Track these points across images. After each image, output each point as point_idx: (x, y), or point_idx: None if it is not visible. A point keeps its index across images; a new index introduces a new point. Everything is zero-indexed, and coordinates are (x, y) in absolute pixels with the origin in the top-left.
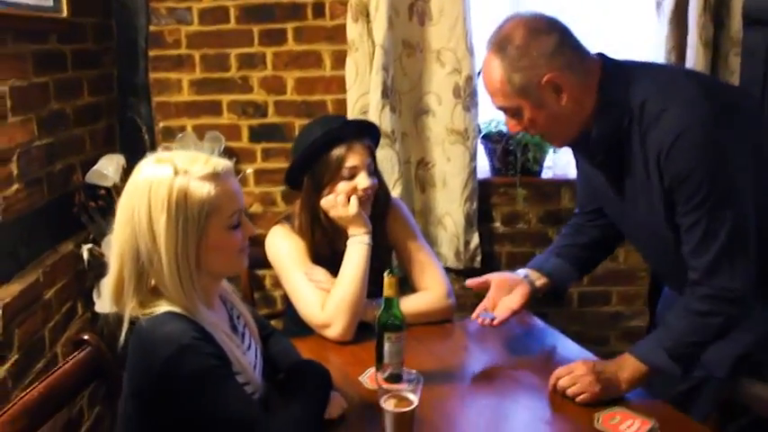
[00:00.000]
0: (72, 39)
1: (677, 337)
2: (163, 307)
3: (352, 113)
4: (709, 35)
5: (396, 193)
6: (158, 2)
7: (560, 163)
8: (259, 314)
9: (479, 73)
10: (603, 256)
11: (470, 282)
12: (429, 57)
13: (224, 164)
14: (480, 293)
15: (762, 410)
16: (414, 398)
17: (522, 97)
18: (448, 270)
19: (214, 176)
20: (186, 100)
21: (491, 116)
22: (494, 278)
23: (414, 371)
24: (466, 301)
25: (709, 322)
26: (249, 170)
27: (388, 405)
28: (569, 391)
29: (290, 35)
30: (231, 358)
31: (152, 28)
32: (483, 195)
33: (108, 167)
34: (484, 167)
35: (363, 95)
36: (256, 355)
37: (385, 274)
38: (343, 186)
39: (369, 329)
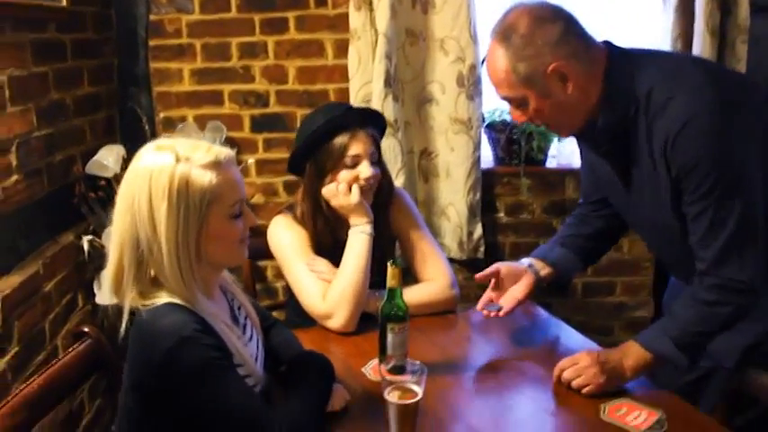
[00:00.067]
0: (71, 28)
1: (683, 326)
2: (163, 298)
3: (355, 103)
4: (715, 22)
5: (398, 183)
6: None
7: (565, 152)
8: (260, 305)
9: (483, 61)
10: (608, 247)
11: (479, 275)
12: (432, 45)
13: (226, 152)
14: (485, 283)
15: None
16: (418, 389)
17: (528, 87)
18: (451, 261)
19: (216, 165)
20: (187, 90)
21: (495, 105)
22: (501, 268)
23: (417, 362)
24: (469, 291)
25: (717, 312)
26: (251, 160)
27: (392, 397)
28: (574, 383)
29: (291, 24)
30: (232, 350)
31: (152, 17)
32: (486, 185)
33: (108, 158)
34: (487, 157)
35: (366, 84)
36: (258, 347)
37: (388, 264)
38: (344, 175)
39: (371, 320)
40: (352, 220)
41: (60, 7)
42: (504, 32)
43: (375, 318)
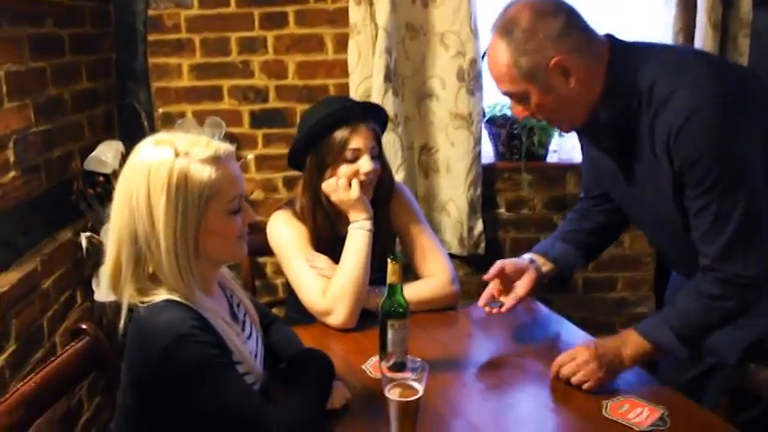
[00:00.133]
0: (69, 23)
1: (685, 318)
2: (161, 295)
3: (355, 98)
4: (717, 16)
5: (398, 178)
6: None
7: (566, 147)
8: (259, 302)
9: (484, 56)
10: (609, 242)
11: (487, 277)
12: (433, 40)
13: (225, 147)
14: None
15: None
16: (419, 387)
17: (530, 81)
18: (452, 257)
19: (215, 160)
20: (186, 85)
21: (495, 100)
22: (505, 265)
23: (418, 359)
24: (470, 287)
25: (721, 306)
26: (250, 156)
27: (393, 394)
28: (573, 380)
29: (291, 18)
30: (231, 347)
31: (150, 12)
32: (487, 181)
33: (107, 154)
34: (488, 152)
35: (366, 79)
36: (257, 344)
37: (388, 260)
38: (345, 169)
39: (371, 317)
40: (352, 215)
41: (58, 2)
42: (506, 26)
43: (375, 314)
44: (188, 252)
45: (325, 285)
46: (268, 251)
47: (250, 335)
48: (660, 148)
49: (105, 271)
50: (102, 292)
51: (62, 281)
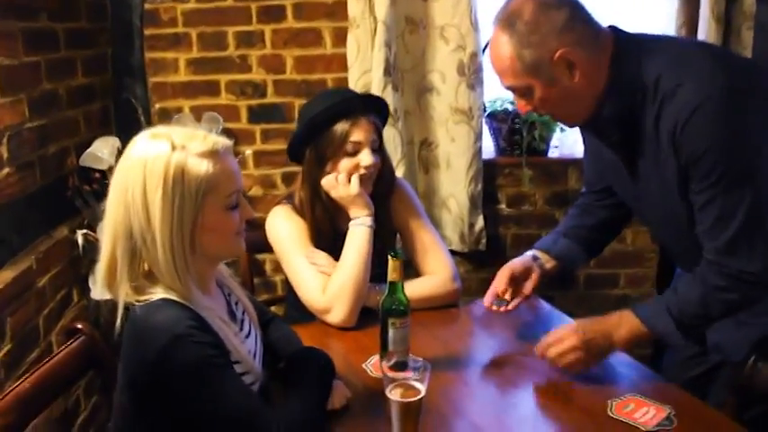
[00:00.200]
0: (64, 17)
1: (685, 307)
2: (158, 293)
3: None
4: (721, 9)
5: (398, 174)
6: None
7: (567, 142)
8: (257, 300)
9: (484, 49)
10: (611, 238)
11: (501, 289)
12: (432, 33)
13: (223, 141)
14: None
15: None
16: (421, 387)
17: (533, 75)
18: (452, 253)
19: (213, 154)
20: (183, 80)
21: (496, 94)
22: (513, 269)
23: (420, 358)
24: (471, 284)
25: (723, 298)
26: (248, 152)
27: (394, 395)
28: (559, 364)
29: (289, 12)
30: (229, 347)
31: (147, 6)
32: (488, 176)
33: (103, 150)
34: (489, 147)
35: (365, 74)
36: (256, 343)
37: (389, 256)
38: (345, 164)
39: (372, 315)
40: (353, 212)
41: None
42: (509, 19)
43: (375, 312)
44: (184, 248)
45: (325, 283)
46: (267, 248)
47: (249, 334)
48: (665, 142)
49: (100, 268)
50: (98, 289)
51: (58, 279)
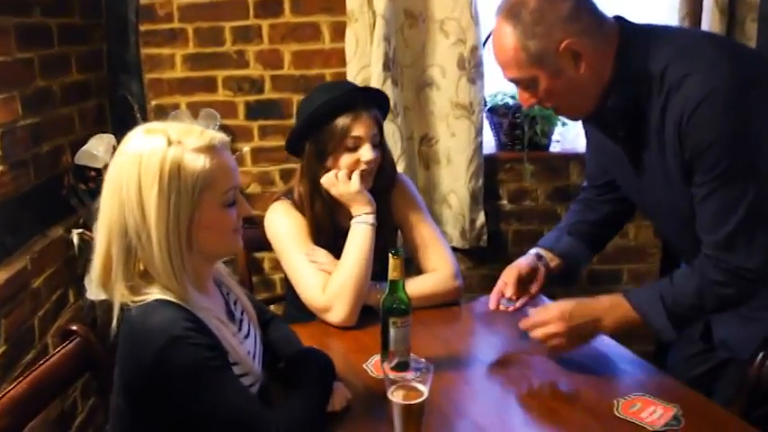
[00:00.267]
0: (58, 12)
1: (680, 298)
2: (154, 294)
3: None
4: (725, 0)
5: (398, 170)
6: None
7: (569, 136)
8: (256, 299)
9: (485, 43)
10: (614, 234)
11: (511, 292)
12: (432, 27)
13: (220, 137)
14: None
15: None
16: (423, 388)
17: (538, 66)
18: (453, 250)
19: (209, 149)
20: (179, 76)
21: (497, 89)
22: (520, 271)
23: (423, 359)
24: (472, 281)
25: (719, 292)
26: (246, 148)
27: (396, 397)
28: (546, 346)
29: (286, 6)
30: (227, 348)
31: (142, 1)
32: (489, 172)
33: (98, 148)
34: (489, 142)
35: (364, 69)
36: (255, 343)
37: (390, 254)
38: (345, 160)
39: (372, 314)
40: (354, 209)
41: None
42: (513, 9)
43: (376, 311)
44: (181, 245)
45: (325, 281)
46: (265, 246)
47: (248, 334)
48: (670, 134)
49: (95, 267)
50: (93, 290)
51: (53, 279)
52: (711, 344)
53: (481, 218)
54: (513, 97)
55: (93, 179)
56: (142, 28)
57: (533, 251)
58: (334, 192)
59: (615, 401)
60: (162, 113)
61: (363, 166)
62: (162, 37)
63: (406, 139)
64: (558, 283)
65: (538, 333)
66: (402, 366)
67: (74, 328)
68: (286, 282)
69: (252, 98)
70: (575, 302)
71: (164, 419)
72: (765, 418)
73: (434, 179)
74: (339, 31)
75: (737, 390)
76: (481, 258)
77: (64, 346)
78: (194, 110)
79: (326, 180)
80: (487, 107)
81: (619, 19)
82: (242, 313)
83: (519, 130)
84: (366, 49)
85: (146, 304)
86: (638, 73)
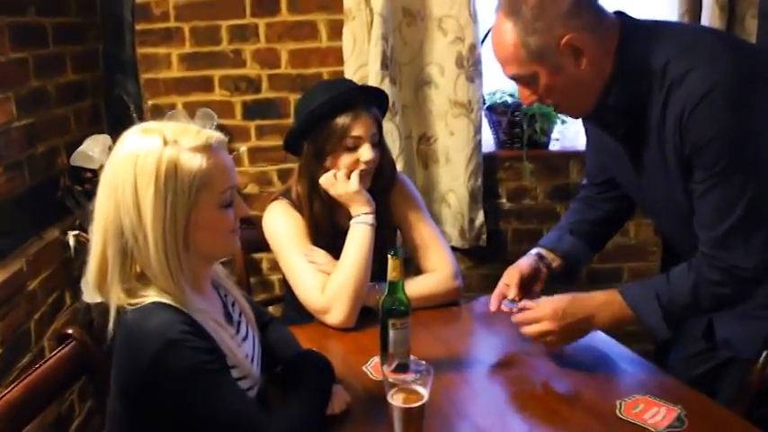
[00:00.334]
0: (53, 11)
1: (674, 296)
2: (150, 297)
3: None
4: None
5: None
6: None
7: (568, 134)
8: (255, 301)
9: (483, 40)
10: (614, 232)
11: (515, 294)
12: (430, 25)
13: (216, 136)
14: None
15: None
16: (424, 391)
17: (539, 63)
18: (452, 249)
19: (206, 148)
20: (176, 76)
21: (496, 87)
22: (522, 273)
23: (423, 362)
24: (471, 281)
25: (716, 291)
26: (243, 148)
27: (396, 400)
28: (534, 341)
29: (283, 4)
30: (225, 350)
31: (138, 0)
32: (488, 170)
33: (94, 148)
34: (488, 141)
35: (362, 67)
36: (254, 346)
37: (389, 255)
38: (345, 160)
39: (372, 314)
40: (353, 209)
41: None
42: (513, 5)
43: (375, 312)
44: (177, 247)
45: (324, 282)
46: (263, 246)
47: (246, 336)
48: (671, 129)
49: (90, 270)
50: (89, 292)
51: (49, 282)
52: (714, 342)
53: (480, 217)
54: (512, 95)
55: (88, 180)
56: (138, 27)
57: (534, 251)
58: (333, 192)
59: (617, 402)
60: (158, 113)
61: (362, 166)
62: (158, 36)
63: (405, 138)
64: (559, 282)
65: (529, 330)
66: (402, 368)
67: (69, 331)
68: (284, 283)
69: (249, 98)
70: (568, 299)
71: (161, 424)
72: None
73: (433, 178)
74: (336, 30)
75: (740, 390)
76: (480, 258)
77: (59, 350)
78: (191, 110)
79: (325, 180)
80: (486, 105)
81: (619, 14)
82: (240, 315)
83: (518, 128)
84: (364, 47)
85: (142, 307)
86: (639, 68)
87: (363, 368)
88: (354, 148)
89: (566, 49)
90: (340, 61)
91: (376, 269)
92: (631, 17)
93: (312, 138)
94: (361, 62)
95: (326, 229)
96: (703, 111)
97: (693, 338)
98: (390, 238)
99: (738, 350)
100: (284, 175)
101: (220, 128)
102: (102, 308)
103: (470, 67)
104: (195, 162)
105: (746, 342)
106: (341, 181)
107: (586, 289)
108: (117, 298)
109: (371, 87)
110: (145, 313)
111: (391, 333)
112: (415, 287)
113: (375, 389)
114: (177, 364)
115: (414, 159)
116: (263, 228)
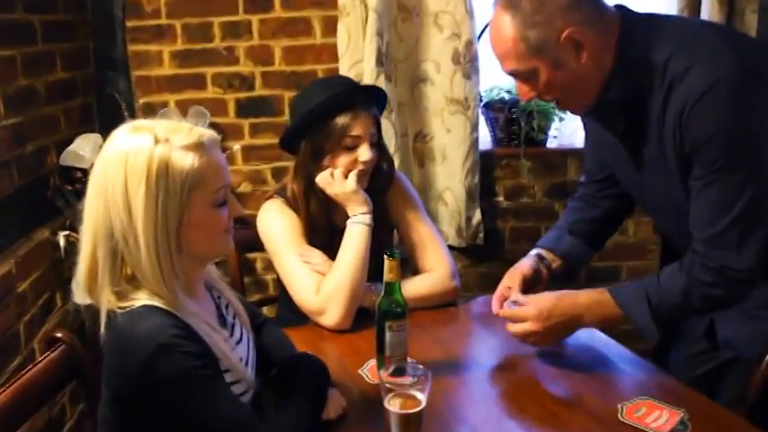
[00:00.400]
0: (41, 8)
1: (665, 296)
2: (141, 300)
3: None
4: None
5: None
6: None
7: (566, 131)
8: (249, 302)
9: (480, 37)
10: (613, 230)
11: (516, 296)
12: (426, 21)
13: (209, 134)
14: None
15: None
16: (421, 397)
17: (538, 57)
18: (449, 248)
19: (198, 146)
20: (168, 73)
21: (493, 83)
22: (524, 275)
23: (420, 365)
24: (468, 280)
25: (707, 293)
26: (236, 147)
27: (393, 406)
28: (520, 341)
29: (276, 1)
30: (218, 354)
31: None
32: (485, 168)
33: (84, 148)
34: (485, 138)
35: (357, 64)
36: (248, 349)
37: (385, 256)
38: (343, 160)
39: (368, 316)
40: (350, 209)
41: None
42: None
43: (371, 313)
44: (169, 247)
45: (320, 282)
46: (257, 246)
47: (240, 339)
48: (671, 126)
49: (80, 272)
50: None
51: (39, 283)
52: (715, 342)
53: (477, 215)
54: (509, 92)
55: (79, 180)
56: (129, 24)
57: (534, 252)
58: (330, 191)
59: (619, 406)
60: (150, 111)
61: (361, 166)
62: (149, 33)
63: (401, 136)
64: (556, 280)
65: (513, 329)
66: (399, 372)
67: (58, 335)
68: (279, 283)
69: (242, 95)
70: (555, 299)
71: (152, 430)
72: None
73: (429, 176)
74: (331, 26)
75: (742, 390)
76: (478, 256)
77: (48, 354)
78: (183, 108)
79: (322, 179)
80: (483, 102)
81: (619, 7)
82: (234, 318)
83: (515, 125)
84: (359, 43)
85: (132, 311)
86: (640, 63)
87: (359, 371)
88: (353, 148)
89: (566, 42)
90: (335, 58)
91: (372, 269)
92: (632, 11)
93: (310, 137)
94: (356, 59)
95: (323, 229)
96: (704, 108)
97: (695, 338)
98: (388, 238)
99: (741, 351)
100: (278, 174)
101: (213, 126)
102: (94, 310)
103: (467, 63)
104: (187, 161)
105: (749, 342)
106: (338, 180)
107: (585, 287)
108: (107, 301)
109: (371, 86)
110: (135, 317)
111: (388, 335)
112: (413, 287)
113: (371, 392)
114: (169, 370)
115: (410, 157)
116: (257, 227)
